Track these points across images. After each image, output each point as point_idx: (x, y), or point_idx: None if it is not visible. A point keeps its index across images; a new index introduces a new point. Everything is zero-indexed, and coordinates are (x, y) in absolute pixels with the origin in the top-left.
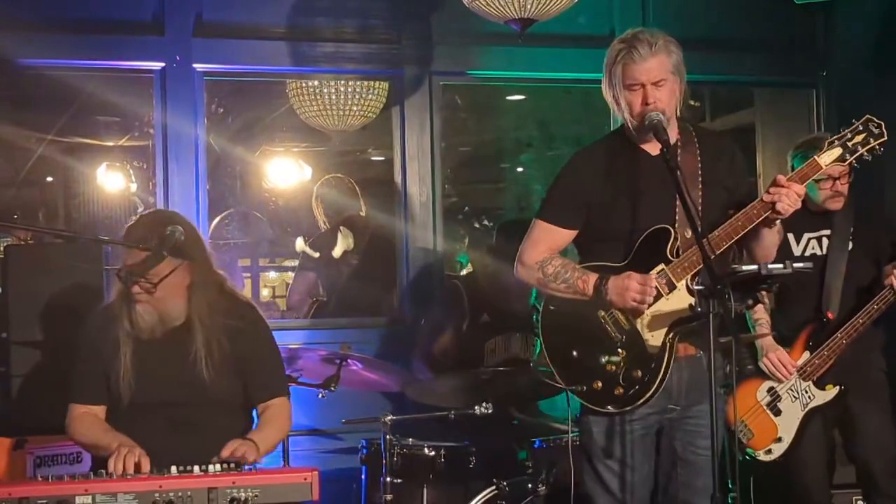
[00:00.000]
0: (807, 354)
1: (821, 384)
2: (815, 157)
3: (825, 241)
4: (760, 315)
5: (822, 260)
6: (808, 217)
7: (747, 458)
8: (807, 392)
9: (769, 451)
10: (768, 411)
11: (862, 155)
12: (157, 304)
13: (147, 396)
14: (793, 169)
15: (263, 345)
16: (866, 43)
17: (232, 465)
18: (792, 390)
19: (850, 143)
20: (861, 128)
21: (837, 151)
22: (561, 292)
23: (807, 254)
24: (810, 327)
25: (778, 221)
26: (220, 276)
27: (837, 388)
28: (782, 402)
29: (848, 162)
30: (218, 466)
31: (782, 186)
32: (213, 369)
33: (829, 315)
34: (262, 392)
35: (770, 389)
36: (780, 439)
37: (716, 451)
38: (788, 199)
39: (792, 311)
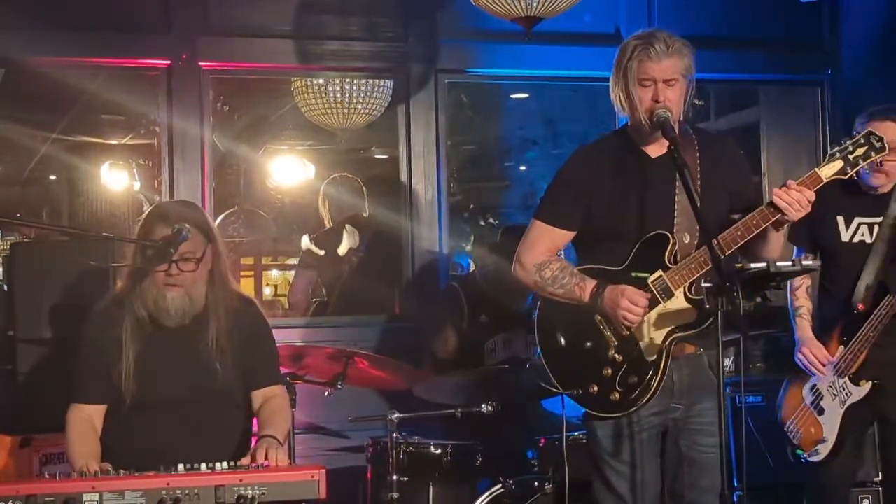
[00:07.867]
0: (842, 349)
1: (856, 380)
2: (816, 169)
3: (877, 230)
4: (802, 302)
5: (867, 249)
6: (863, 200)
7: (800, 459)
8: (844, 388)
9: (816, 453)
10: (813, 411)
11: (863, 168)
12: (189, 289)
13: (154, 393)
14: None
15: (264, 335)
16: (873, 41)
17: (239, 463)
18: (831, 388)
19: (851, 156)
20: (863, 140)
21: (839, 164)
22: (558, 297)
23: (855, 240)
24: (842, 320)
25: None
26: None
27: (871, 382)
28: (824, 401)
29: (849, 175)
30: (225, 464)
31: (793, 190)
32: (224, 360)
33: (860, 307)
34: (263, 379)
35: (813, 388)
36: (824, 440)
37: (723, 448)
38: (800, 205)
39: (830, 302)
